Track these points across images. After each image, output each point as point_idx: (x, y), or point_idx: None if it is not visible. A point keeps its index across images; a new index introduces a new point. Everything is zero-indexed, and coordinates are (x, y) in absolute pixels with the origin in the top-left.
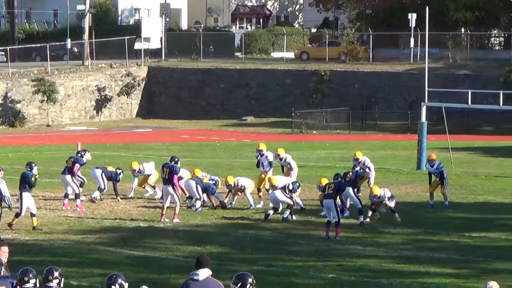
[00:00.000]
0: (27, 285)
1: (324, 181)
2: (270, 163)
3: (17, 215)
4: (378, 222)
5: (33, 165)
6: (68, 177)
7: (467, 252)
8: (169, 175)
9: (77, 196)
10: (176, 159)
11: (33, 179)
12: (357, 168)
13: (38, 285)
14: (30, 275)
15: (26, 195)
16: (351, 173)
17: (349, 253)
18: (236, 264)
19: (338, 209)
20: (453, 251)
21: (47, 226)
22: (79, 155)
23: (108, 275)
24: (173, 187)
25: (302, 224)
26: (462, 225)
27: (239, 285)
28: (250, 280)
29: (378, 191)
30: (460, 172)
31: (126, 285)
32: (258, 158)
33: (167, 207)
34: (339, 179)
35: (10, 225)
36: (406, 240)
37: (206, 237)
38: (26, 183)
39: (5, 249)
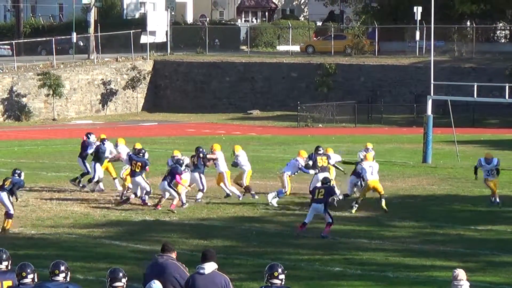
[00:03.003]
0: (25, 280)
1: (303, 154)
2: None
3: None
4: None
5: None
6: (96, 164)
7: (473, 245)
8: (170, 174)
9: (99, 180)
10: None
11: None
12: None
13: (36, 280)
14: (28, 270)
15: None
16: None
17: (355, 246)
18: (242, 258)
19: (329, 212)
20: (459, 244)
21: (53, 220)
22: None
23: (110, 269)
24: (169, 185)
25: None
26: (468, 218)
27: (266, 274)
28: (279, 269)
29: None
30: (466, 165)
31: (124, 280)
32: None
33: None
34: (328, 183)
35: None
36: (412, 233)
37: (212, 231)
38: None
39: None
